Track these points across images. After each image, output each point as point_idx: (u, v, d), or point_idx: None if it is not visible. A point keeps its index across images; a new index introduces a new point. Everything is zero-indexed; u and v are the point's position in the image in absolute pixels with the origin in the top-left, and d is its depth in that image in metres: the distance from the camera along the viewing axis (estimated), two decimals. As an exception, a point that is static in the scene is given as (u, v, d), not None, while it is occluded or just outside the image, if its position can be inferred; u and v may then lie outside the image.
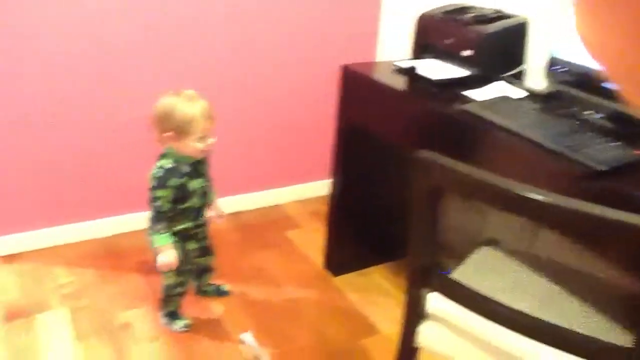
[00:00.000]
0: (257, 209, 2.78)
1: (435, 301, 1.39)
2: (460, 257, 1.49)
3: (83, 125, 2.25)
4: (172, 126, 1.65)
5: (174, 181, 1.71)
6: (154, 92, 1.74)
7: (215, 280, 2.17)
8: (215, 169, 2.57)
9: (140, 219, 2.54)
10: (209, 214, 1.93)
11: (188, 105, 1.65)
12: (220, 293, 2.16)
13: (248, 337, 1.93)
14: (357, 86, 1.96)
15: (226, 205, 2.66)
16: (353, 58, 2.33)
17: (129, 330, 1.96)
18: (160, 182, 1.71)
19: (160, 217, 1.75)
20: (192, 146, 1.68)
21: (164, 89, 1.72)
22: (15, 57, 2.04)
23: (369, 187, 2.21)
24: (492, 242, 1.58)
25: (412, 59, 2.03)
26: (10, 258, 2.28)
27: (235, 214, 2.69)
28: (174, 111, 1.65)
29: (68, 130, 2.24)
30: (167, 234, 1.76)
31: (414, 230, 1.26)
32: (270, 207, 2.82)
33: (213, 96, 2.37)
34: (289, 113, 2.69)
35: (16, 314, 1.99)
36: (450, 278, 1.31)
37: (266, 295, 2.19)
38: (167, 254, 1.77)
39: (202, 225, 1.91)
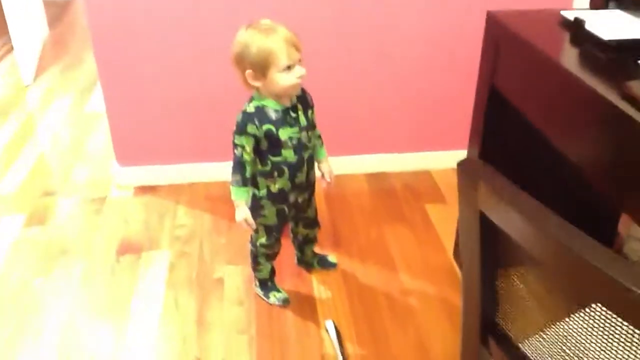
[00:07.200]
0: (402, 172, 2.43)
1: None
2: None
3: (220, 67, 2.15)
4: (250, 63, 1.45)
5: (253, 128, 1.50)
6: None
7: (324, 249, 1.96)
8: (363, 123, 2.29)
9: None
10: (316, 174, 1.68)
11: (263, 37, 1.43)
12: (325, 264, 1.94)
13: (330, 327, 1.69)
14: (501, 42, 1.47)
15: (367, 163, 2.39)
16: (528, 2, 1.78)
17: (219, 287, 1.86)
18: (239, 128, 1.52)
19: (238, 168, 1.55)
20: (277, 82, 1.45)
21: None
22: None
23: (515, 171, 1.72)
24: None
25: (592, 8, 1.46)
26: (145, 190, 2.34)
27: (376, 175, 2.40)
28: (249, 46, 1.44)
29: (214, 69, 2.17)
30: (244, 188, 1.57)
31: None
32: (417, 172, 2.44)
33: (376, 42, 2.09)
34: (450, 65, 2.25)
35: (128, 249, 2.03)
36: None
37: (376, 279, 1.89)
38: (240, 211, 1.59)
39: (303, 189, 1.66)
